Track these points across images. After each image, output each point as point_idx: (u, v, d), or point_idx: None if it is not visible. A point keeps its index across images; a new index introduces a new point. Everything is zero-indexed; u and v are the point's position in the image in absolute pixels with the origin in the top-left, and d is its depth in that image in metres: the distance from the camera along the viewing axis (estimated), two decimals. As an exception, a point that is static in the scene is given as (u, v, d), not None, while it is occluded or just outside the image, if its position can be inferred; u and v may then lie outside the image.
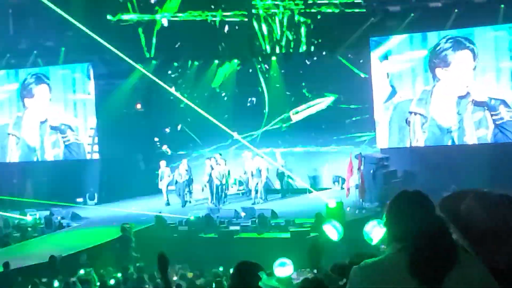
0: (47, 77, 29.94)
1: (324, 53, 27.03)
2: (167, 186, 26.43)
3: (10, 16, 29.55)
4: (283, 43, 27.45)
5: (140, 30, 28.76)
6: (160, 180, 26.57)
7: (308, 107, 27.22)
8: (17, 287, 16.39)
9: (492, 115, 23.27)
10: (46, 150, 30.11)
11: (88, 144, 29.50)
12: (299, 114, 27.41)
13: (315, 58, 27.31)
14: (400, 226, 3.26)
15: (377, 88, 25.22)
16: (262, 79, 28.70)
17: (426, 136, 24.32)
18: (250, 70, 28.74)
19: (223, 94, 29.38)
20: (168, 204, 26.05)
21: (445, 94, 23.98)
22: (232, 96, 29.27)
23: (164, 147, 26.84)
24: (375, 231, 7.01)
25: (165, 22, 28.65)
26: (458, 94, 23.74)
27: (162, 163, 26.78)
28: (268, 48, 27.68)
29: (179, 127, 29.89)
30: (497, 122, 23.27)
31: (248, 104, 28.97)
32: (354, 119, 27.04)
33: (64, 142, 29.81)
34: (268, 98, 28.68)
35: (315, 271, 9.51)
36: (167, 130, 30.20)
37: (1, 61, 30.63)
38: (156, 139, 30.48)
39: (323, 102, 27.19)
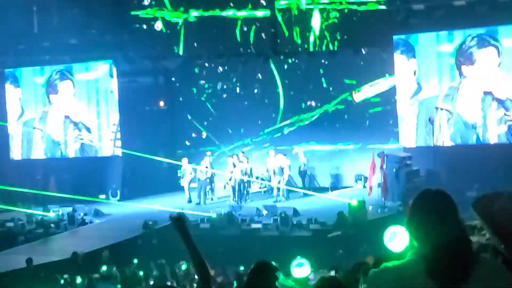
0: (71, 73, 30.15)
1: (346, 50, 26.90)
2: (189, 183, 26.45)
3: (35, 13, 29.73)
4: (307, 40, 27.29)
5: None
6: (182, 177, 26.60)
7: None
8: (39, 283, 16.47)
9: (505, 115, 23.21)
10: (68, 145, 30.37)
11: (111, 140, 29.65)
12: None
13: (337, 55, 27.18)
14: (422, 228, 3.22)
15: (401, 85, 25.18)
16: (279, 77, 28.59)
17: (452, 132, 24.22)
18: (273, 67, 28.67)
19: (245, 92, 29.31)
20: (190, 201, 26.08)
21: (470, 91, 23.88)
22: (254, 93, 29.21)
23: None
24: (398, 238, 6.63)
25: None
26: (483, 91, 23.65)
27: (184, 160, 26.80)
28: (290, 45, 27.54)
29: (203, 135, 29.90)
30: (508, 123, 23.24)
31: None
32: (376, 110, 26.91)
33: (80, 139, 30.16)
34: (288, 95, 28.58)
35: (332, 272, 9.48)
36: (204, 135, 30.11)
37: (27, 58, 30.85)
38: (193, 135, 30.34)
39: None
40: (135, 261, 18.43)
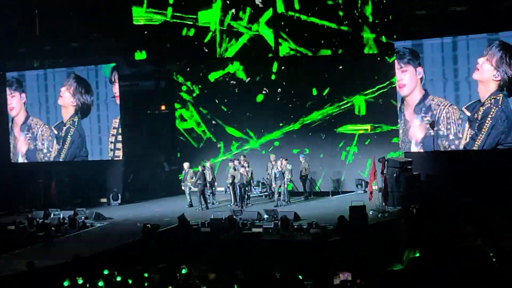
0: (72, 77, 30.17)
1: (348, 56, 26.96)
2: (190, 187, 26.45)
3: (36, 16, 29.77)
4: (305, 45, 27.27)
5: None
6: (183, 182, 26.61)
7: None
8: (41, 287, 16.47)
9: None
10: (68, 149, 30.39)
11: (111, 142, 29.63)
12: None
13: (338, 60, 27.26)
14: (418, 234, 3.29)
15: (403, 91, 25.27)
16: (284, 82, 28.66)
17: (451, 139, 24.33)
18: (275, 72, 28.69)
19: (248, 95, 29.30)
20: (191, 205, 26.09)
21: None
22: (257, 97, 29.21)
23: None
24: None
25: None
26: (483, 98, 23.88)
27: (186, 165, 26.80)
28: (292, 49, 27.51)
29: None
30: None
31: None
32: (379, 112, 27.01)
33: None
34: (290, 98, 28.60)
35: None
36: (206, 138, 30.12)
37: (28, 62, 30.91)
38: (195, 139, 30.43)
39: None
40: (136, 264, 18.41)
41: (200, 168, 26.18)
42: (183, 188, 26.68)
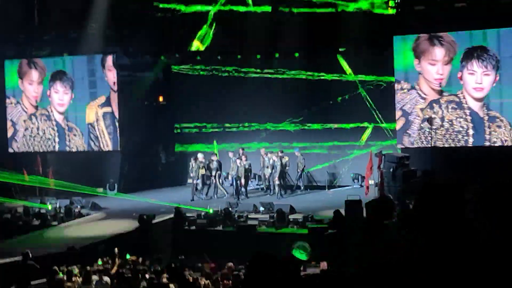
0: (71, 67, 30.09)
1: (346, 49, 26.94)
2: (197, 180, 26.39)
3: (36, 5, 29.70)
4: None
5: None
6: (192, 173, 26.44)
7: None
8: (35, 275, 16.47)
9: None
10: (65, 138, 30.35)
11: (109, 134, 29.64)
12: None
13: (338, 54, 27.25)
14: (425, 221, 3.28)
15: (401, 86, 25.29)
16: (284, 74, 28.60)
17: (448, 135, 24.37)
18: (274, 64, 28.60)
19: (247, 89, 29.19)
20: (192, 199, 25.87)
21: (469, 96, 24.14)
22: (255, 90, 29.12)
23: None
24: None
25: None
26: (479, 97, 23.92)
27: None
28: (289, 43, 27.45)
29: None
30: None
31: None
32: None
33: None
34: (288, 92, 28.48)
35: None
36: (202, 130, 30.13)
37: (27, 50, 30.84)
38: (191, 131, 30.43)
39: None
40: (131, 254, 18.42)
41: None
42: (190, 181, 26.64)
